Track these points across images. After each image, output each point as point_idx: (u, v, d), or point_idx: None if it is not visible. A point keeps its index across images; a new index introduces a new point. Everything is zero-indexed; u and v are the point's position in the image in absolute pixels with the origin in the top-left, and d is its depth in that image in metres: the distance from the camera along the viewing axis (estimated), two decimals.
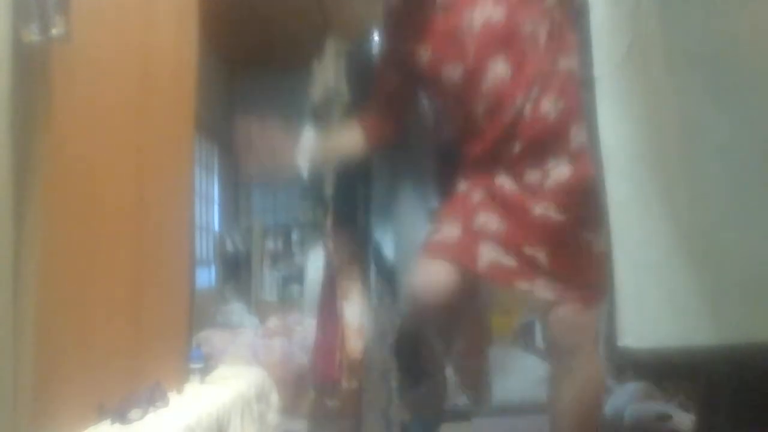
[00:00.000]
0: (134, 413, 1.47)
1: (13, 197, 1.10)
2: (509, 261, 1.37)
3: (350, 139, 1.69)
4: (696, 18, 1.07)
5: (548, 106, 1.38)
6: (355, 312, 2.65)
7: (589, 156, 1.27)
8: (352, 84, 2.70)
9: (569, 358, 1.40)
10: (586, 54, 1.13)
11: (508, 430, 2.50)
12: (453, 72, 1.44)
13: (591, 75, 1.12)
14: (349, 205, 2.60)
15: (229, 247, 5.30)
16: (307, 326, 3.66)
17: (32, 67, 1.15)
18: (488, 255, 1.38)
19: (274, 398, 2.27)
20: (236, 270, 5.24)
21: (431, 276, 1.40)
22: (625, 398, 2.39)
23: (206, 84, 2.89)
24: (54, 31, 1.11)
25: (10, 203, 1.10)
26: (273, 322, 3.97)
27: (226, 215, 5.55)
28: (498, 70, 1.39)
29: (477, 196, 1.45)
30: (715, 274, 1.05)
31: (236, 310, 4.68)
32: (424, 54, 1.48)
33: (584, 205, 1.27)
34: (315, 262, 2.86)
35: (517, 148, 1.40)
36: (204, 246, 5.12)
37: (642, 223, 1.08)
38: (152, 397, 1.58)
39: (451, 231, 1.45)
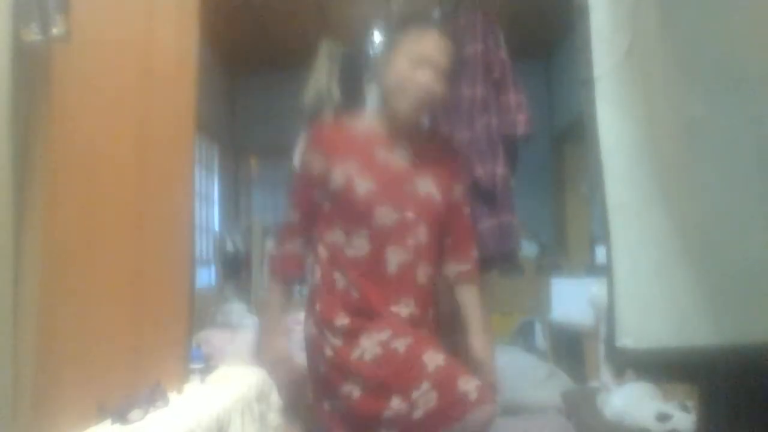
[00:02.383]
0: (134, 413, 1.48)
1: (14, 197, 1.10)
2: None
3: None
4: (696, 18, 1.07)
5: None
6: None
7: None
8: (343, 86, 2.72)
9: None
10: (586, 54, 1.13)
11: (509, 430, 2.49)
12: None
13: (591, 75, 1.12)
14: None
15: (229, 247, 5.30)
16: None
17: (32, 66, 1.15)
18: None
19: (274, 398, 2.27)
20: (236, 270, 5.24)
21: None
22: (625, 399, 2.39)
23: (206, 84, 2.90)
24: (54, 31, 1.11)
25: (11, 202, 1.10)
26: None
27: (226, 215, 5.55)
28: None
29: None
30: (714, 274, 1.05)
31: (236, 310, 4.68)
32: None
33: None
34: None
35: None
36: (204, 246, 5.12)
37: (642, 223, 1.07)
38: (152, 397, 1.58)
39: None
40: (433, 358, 1.32)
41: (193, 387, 1.92)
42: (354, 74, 2.72)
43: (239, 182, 5.86)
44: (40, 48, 1.14)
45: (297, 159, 2.83)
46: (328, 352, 1.41)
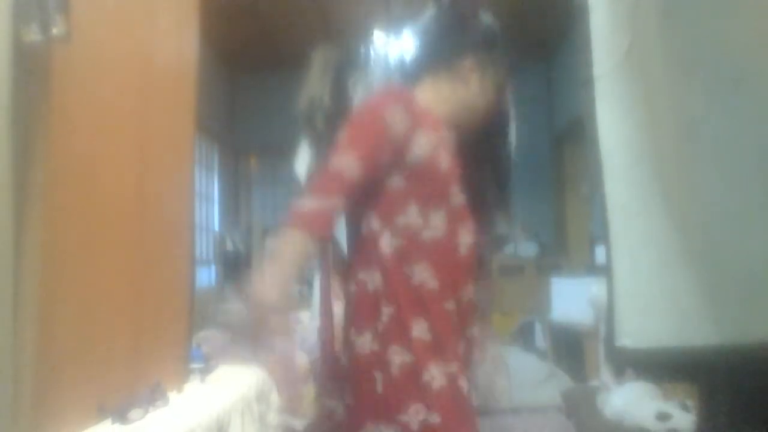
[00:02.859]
0: (134, 413, 1.47)
1: (13, 197, 1.10)
2: None
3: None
4: (695, 18, 1.07)
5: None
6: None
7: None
8: (335, 93, 2.73)
9: None
10: (586, 54, 1.13)
11: (509, 430, 2.49)
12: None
13: (591, 75, 1.12)
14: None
15: (229, 247, 5.30)
16: (307, 326, 3.67)
17: (32, 67, 1.15)
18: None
19: (274, 398, 2.27)
20: (236, 270, 5.25)
21: None
22: (625, 398, 2.39)
23: (206, 84, 2.90)
24: (54, 31, 1.11)
25: (10, 203, 1.10)
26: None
27: (226, 215, 5.55)
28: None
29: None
30: (714, 274, 1.05)
31: (236, 310, 4.68)
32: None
33: None
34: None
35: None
36: (204, 246, 5.12)
37: (642, 223, 1.07)
38: (152, 397, 1.58)
39: None
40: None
41: (193, 387, 1.92)
42: (345, 79, 2.73)
43: (239, 182, 5.86)
44: (40, 48, 1.14)
45: (298, 165, 2.83)
46: (395, 371, 1.26)
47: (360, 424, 1.30)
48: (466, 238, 1.36)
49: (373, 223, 1.32)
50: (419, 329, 1.26)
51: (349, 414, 1.36)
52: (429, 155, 1.32)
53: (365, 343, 1.31)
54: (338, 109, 2.69)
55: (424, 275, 1.29)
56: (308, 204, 1.26)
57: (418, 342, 1.25)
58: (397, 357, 1.25)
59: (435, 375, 1.22)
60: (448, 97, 1.46)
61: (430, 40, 1.58)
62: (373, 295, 1.31)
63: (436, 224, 1.31)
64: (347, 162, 1.26)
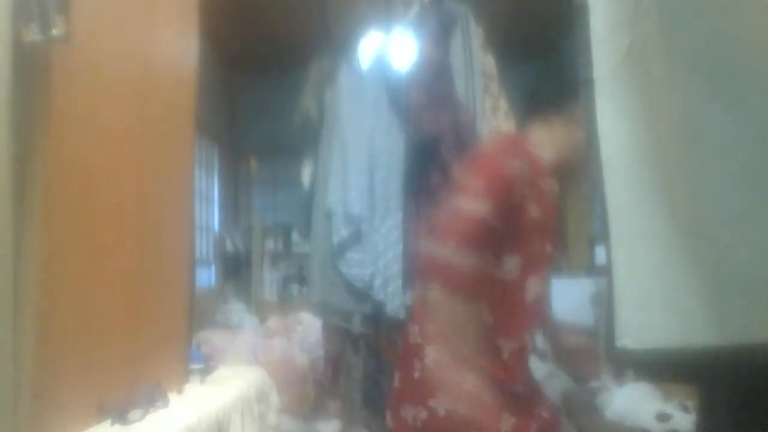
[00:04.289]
0: (134, 413, 1.47)
1: (13, 197, 1.10)
2: None
3: None
4: (696, 18, 1.07)
5: None
6: None
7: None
8: (321, 108, 2.75)
9: None
10: (586, 54, 1.13)
11: None
12: None
13: (591, 75, 1.12)
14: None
15: (229, 247, 5.30)
16: (307, 326, 3.67)
17: (32, 67, 1.15)
18: None
19: (274, 398, 2.27)
20: (236, 270, 5.25)
21: None
22: (625, 398, 2.39)
23: (206, 84, 2.90)
24: (54, 31, 1.11)
25: (10, 203, 1.10)
26: (273, 322, 3.98)
27: (226, 215, 5.55)
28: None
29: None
30: (714, 274, 1.04)
31: (236, 310, 4.69)
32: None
33: None
34: None
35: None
36: (204, 246, 5.12)
37: (641, 224, 1.07)
38: (152, 397, 1.58)
39: None
40: None
41: (193, 387, 1.92)
42: (330, 91, 2.74)
43: (239, 182, 5.86)
44: (40, 48, 1.14)
45: (304, 174, 2.84)
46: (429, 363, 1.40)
47: (399, 405, 1.45)
48: (539, 286, 1.45)
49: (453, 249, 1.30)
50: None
51: (394, 395, 1.51)
52: (535, 201, 1.39)
53: (414, 334, 1.46)
54: (322, 122, 2.71)
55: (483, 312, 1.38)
56: (459, 261, 1.25)
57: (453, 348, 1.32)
58: (433, 353, 1.37)
59: (464, 378, 1.26)
60: (561, 140, 1.46)
61: (545, 79, 1.63)
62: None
63: (510, 267, 1.39)
64: (478, 209, 1.28)
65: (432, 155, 2.25)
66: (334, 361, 2.72)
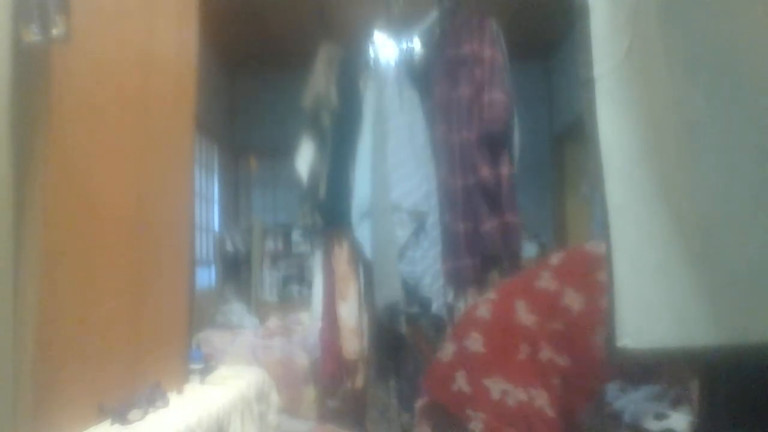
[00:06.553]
0: (134, 413, 1.47)
1: (13, 197, 1.10)
2: None
3: None
4: (696, 18, 1.07)
5: None
6: (351, 313, 2.66)
7: None
8: (341, 91, 2.74)
9: None
10: (586, 54, 1.13)
11: None
12: None
13: (591, 75, 1.12)
14: (339, 208, 2.63)
15: (229, 247, 5.30)
16: (307, 326, 3.67)
17: (32, 67, 1.15)
18: None
19: (274, 398, 2.27)
20: (236, 270, 5.25)
21: None
22: (625, 398, 2.39)
23: (206, 84, 2.90)
24: (54, 31, 1.11)
25: (11, 202, 1.10)
26: (273, 322, 3.98)
27: (226, 215, 5.55)
28: None
29: None
30: (714, 274, 1.04)
31: (236, 310, 4.69)
32: None
33: None
34: (319, 263, 2.88)
35: None
36: (204, 246, 5.12)
37: (641, 223, 1.07)
38: (152, 397, 1.58)
39: None
40: None
41: (193, 387, 1.92)
42: (352, 78, 2.73)
43: (239, 182, 5.86)
44: (40, 48, 1.14)
45: (299, 163, 2.83)
46: None
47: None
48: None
49: None
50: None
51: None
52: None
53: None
54: (345, 106, 2.70)
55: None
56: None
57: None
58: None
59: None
60: None
61: None
62: None
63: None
64: None
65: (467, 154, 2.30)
66: (378, 366, 2.65)
